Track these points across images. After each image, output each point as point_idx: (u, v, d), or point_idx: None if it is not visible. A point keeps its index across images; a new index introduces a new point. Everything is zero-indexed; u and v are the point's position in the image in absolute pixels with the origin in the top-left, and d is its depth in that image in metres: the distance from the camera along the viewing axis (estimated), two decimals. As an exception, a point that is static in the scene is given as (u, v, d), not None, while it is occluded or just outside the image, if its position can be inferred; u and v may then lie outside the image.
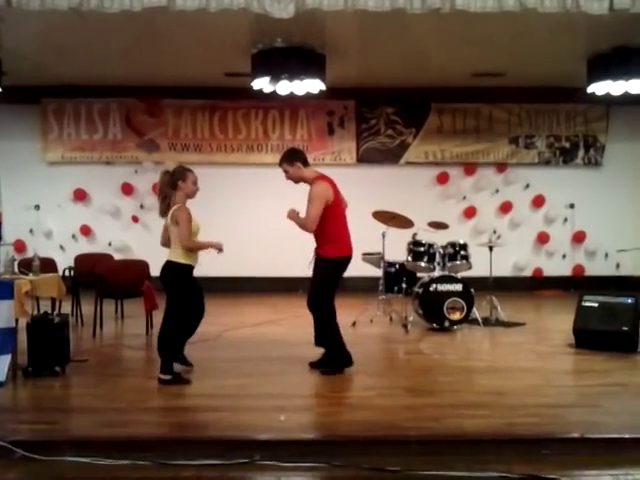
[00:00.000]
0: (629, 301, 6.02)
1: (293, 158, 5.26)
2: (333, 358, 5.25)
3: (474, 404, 4.36)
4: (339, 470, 3.42)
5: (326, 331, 5.23)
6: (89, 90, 10.38)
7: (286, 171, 5.26)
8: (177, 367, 5.00)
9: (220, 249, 5.03)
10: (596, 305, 6.13)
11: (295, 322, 7.39)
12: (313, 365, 5.27)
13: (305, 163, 5.30)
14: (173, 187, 4.96)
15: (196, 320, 5.14)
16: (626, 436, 3.75)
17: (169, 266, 4.95)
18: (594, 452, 3.62)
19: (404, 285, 7.52)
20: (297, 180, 5.31)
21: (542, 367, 5.50)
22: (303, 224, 5.16)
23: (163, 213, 4.99)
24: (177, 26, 7.41)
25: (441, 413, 4.14)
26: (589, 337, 6.08)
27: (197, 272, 4.99)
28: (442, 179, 10.93)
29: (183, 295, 4.96)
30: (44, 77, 9.81)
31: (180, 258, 4.91)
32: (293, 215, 5.18)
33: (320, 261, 5.22)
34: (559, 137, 10.99)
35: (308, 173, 5.30)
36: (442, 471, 3.37)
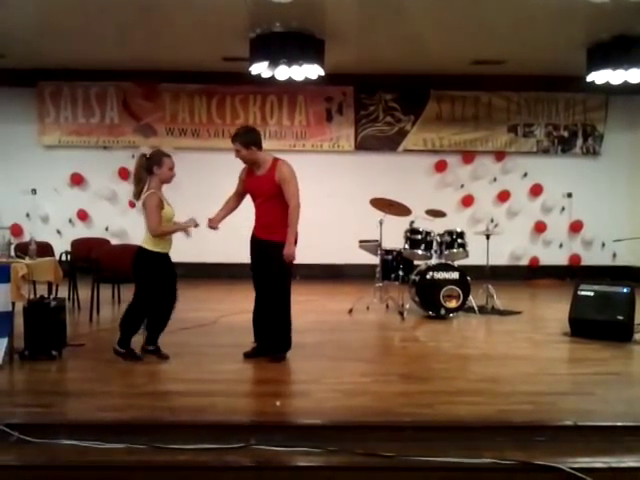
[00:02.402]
0: (625, 290, 6.04)
1: (249, 142, 5.06)
2: (283, 343, 5.21)
3: (469, 391, 4.39)
4: (334, 455, 3.44)
5: (283, 315, 5.19)
6: (86, 74, 10.31)
7: (237, 150, 5.06)
8: (152, 358, 5.05)
9: (194, 225, 4.98)
10: (592, 294, 6.15)
11: (291, 309, 7.39)
12: (249, 355, 5.19)
13: (260, 147, 5.14)
14: (148, 171, 4.96)
15: (167, 308, 5.11)
16: (619, 424, 3.77)
17: (140, 253, 5.00)
18: (587, 440, 3.64)
19: (401, 273, 7.54)
20: (249, 162, 5.16)
21: (537, 355, 5.52)
22: (295, 213, 5.06)
23: (136, 196, 5.03)
24: (175, 10, 7.36)
25: (436, 400, 4.16)
26: (584, 326, 6.11)
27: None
28: (440, 167, 10.91)
29: (151, 282, 4.99)
30: (41, 60, 9.75)
31: (150, 245, 4.95)
32: (289, 247, 5.02)
33: (275, 246, 5.05)
34: (558, 126, 10.97)
35: (263, 155, 5.16)
36: (436, 457, 3.40)
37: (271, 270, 5.09)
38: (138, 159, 5.07)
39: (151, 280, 5.00)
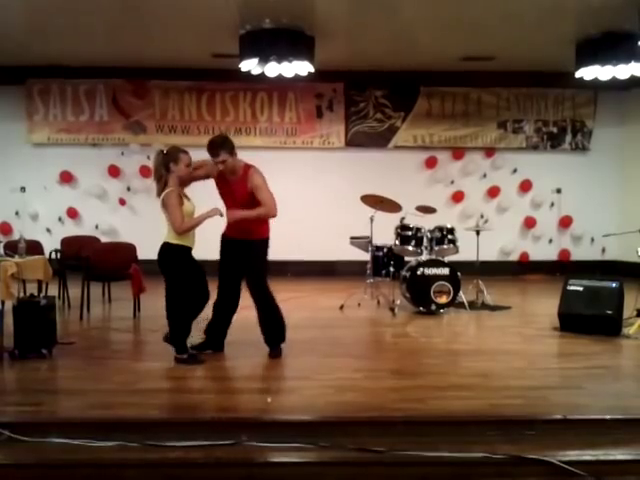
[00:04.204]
0: (613, 285, 6.08)
1: (232, 148, 5.01)
2: (278, 336, 5.27)
3: (459, 386, 4.41)
4: (325, 451, 3.45)
5: (272, 311, 5.23)
6: (75, 71, 10.23)
7: (224, 161, 4.96)
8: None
9: (219, 214, 4.90)
10: (581, 289, 6.19)
11: (281, 305, 7.39)
12: (196, 347, 5.20)
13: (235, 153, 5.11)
14: (166, 169, 4.87)
15: (200, 303, 5.03)
16: (608, 417, 3.81)
17: (165, 248, 4.90)
18: (576, 433, 3.67)
19: (392, 269, 7.55)
20: (231, 170, 5.07)
21: (527, 350, 5.56)
22: (265, 213, 5.03)
23: (158, 194, 4.89)
24: (164, 6, 7.33)
25: (427, 395, 4.19)
26: (574, 321, 6.15)
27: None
28: (430, 163, 10.93)
29: (181, 276, 4.89)
30: (29, 57, 9.66)
31: (175, 239, 4.86)
32: (239, 214, 4.99)
33: (258, 243, 5.14)
34: (547, 122, 11.01)
35: (238, 161, 5.14)
36: (427, 452, 3.42)
37: (251, 268, 5.15)
38: (155, 156, 4.97)
39: (181, 272, 4.89)
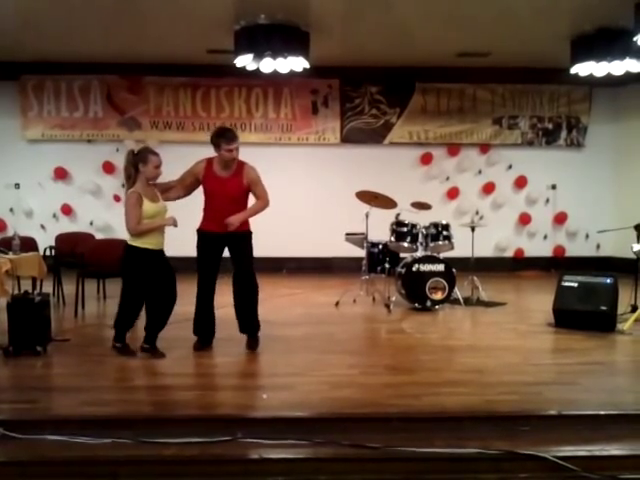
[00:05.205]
0: (608, 281, 6.10)
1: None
2: (257, 325, 5.37)
3: (454, 382, 4.42)
4: (321, 447, 3.46)
5: (257, 301, 5.33)
6: (69, 67, 10.18)
7: (237, 149, 5.14)
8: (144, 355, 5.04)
9: (173, 224, 4.96)
10: (576, 285, 6.21)
11: (276, 302, 7.41)
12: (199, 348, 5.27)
13: None
14: (135, 168, 4.93)
15: (165, 307, 5.03)
16: (602, 413, 3.82)
17: (125, 248, 4.97)
18: (571, 429, 3.68)
19: (387, 265, 7.55)
20: (225, 165, 5.17)
21: (522, 346, 5.57)
22: (263, 207, 5.23)
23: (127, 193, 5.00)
24: (158, 2, 7.30)
25: (422, 391, 4.20)
26: (568, 316, 6.16)
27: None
28: (426, 159, 10.93)
29: (136, 279, 4.95)
30: (23, 53, 9.62)
31: (136, 241, 4.90)
32: (241, 217, 5.10)
33: (247, 234, 5.27)
34: (542, 118, 11.02)
35: None
36: (422, 448, 3.43)
37: (246, 258, 5.25)
38: (126, 155, 5.03)
39: (136, 277, 4.95)
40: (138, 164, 4.92)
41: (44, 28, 8.36)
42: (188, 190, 5.28)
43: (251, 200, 5.33)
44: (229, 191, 5.13)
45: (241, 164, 5.21)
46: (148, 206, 4.90)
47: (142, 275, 4.94)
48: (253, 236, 5.31)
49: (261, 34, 7.80)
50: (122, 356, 5.00)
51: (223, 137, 5.10)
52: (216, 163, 5.20)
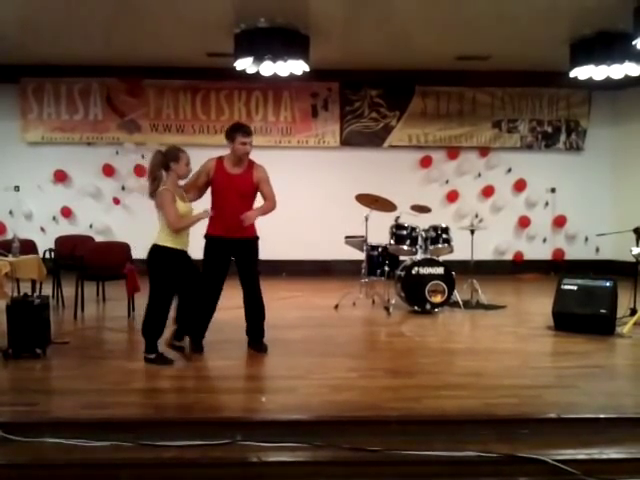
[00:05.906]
0: (607, 284, 6.10)
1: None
2: (263, 330, 5.37)
3: (454, 385, 4.42)
4: (320, 450, 3.45)
5: (263, 305, 5.33)
6: (69, 69, 10.20)
7: (251, 144, 5.20)
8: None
9: (208, 214, 4.96)
10: (575, 288, 6.20)
11: (276, 305, 7.41)
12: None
13: None
14: (165, 168, 4.84)
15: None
16: (601, 416, 3.82)
17: (154, 249, 4.85)
18: (571, 432, 3.68)
19: (386, 268, 7.55)
20: (237, 160, 5.22)
21: (521, 349, 5.57)
22: (272, 207, 5.21)
23: (151, 194, 4.85)
24: (159, 5, 7.31)
25: (421, 394, 4.19)
26: (568, 320, 6.16)
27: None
28: (425, 163, 10.94)
29: (166, 280, 4.83)
30: (23, 56, 9.63)
31: (166, 242, 4.82)
32: (255, 213, 5.10)
33: (253, 242, 5.25)
34: (541, 121, 11.04)
35: None
36: (422, 451, 3.42)
37: (253, 264, 5.25)
38: (153, 156, 4.89)
39: (166, 278, 4.83)
40: (169, 163, 4.83)
41: (44, 31, 8.38)
42: (201, 191, 5.29)
43: (258, 202, 5.32)
44: (239, 187, 5.12)
45: (251, 162, 5.25)
46: (179, 205, 4.83)
47: (173, 276, 4.83)
48: (254, 239, 5.29)
49: (261, 37, 7.82)
50: (159, 366, 4.81)
51: (240, 130, 5.17)
52: (227, 160, 5.23)
